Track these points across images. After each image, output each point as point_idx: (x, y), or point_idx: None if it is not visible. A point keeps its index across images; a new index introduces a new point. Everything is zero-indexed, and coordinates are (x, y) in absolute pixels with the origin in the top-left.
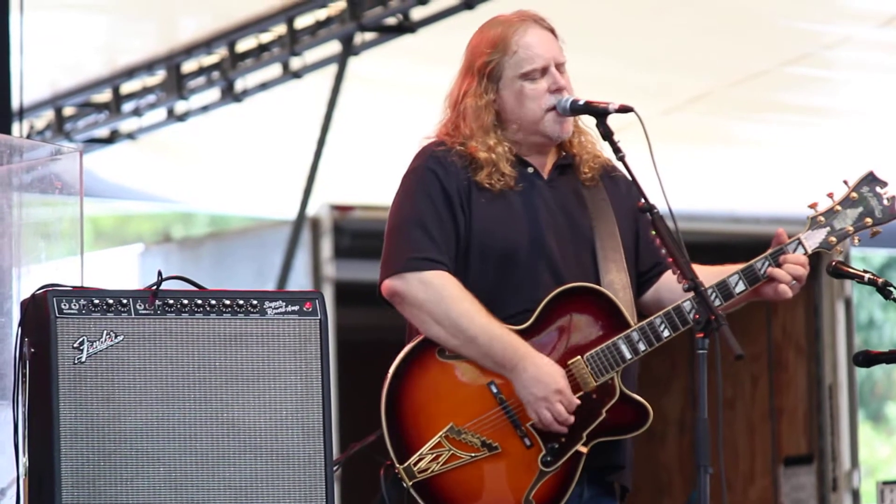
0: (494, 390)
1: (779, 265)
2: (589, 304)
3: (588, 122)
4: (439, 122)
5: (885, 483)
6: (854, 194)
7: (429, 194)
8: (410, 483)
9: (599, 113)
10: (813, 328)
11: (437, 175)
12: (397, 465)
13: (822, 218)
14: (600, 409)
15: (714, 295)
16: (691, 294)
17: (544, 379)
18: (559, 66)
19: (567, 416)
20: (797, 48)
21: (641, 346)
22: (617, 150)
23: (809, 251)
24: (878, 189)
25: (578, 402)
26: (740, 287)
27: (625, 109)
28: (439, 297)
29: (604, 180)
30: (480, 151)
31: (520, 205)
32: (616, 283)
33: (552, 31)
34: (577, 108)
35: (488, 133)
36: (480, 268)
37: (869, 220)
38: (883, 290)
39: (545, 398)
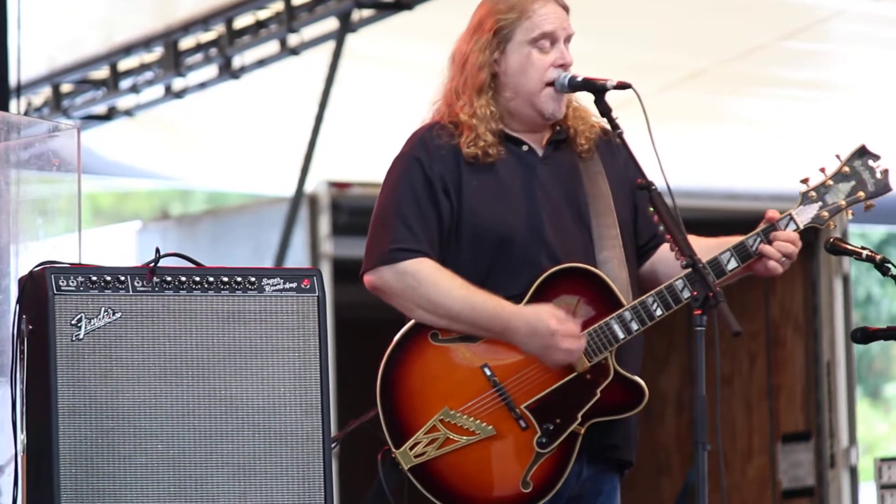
0: (488, 373)
1: (769, 242)
2: (582, 284)
3: (581, 98)
4: (443, 81)
5: (883, 460)
6: (846, 168)
7: (410, 183)
8: (407, 467)
9: (598, 89)
10: (811, 305)
11: (420, 162)
12: (394, 450)
13: (813, 193)
14: (594, 390)
15: (706, 272)
16: (685, 272)
17: (537, 327)
18: (567, 40)
19: (576, 347)
20: (792, 22)
21: (634, 326)
22: (615, 127)
23: (801, 227)
24: (870, 162)
25: (579, 326)
26: (732, 264)
27: (623, 86)
28: (417, 282)
29: (600, 149)
30: (463, 114)
31: (515, 186)
32: (612, 260)
33: (566, 9)
34: (576, 85)
35: (480, 93)
36: (474, 251)
37: (862, 193)
38: (881, 266)
39: (547, 346)
